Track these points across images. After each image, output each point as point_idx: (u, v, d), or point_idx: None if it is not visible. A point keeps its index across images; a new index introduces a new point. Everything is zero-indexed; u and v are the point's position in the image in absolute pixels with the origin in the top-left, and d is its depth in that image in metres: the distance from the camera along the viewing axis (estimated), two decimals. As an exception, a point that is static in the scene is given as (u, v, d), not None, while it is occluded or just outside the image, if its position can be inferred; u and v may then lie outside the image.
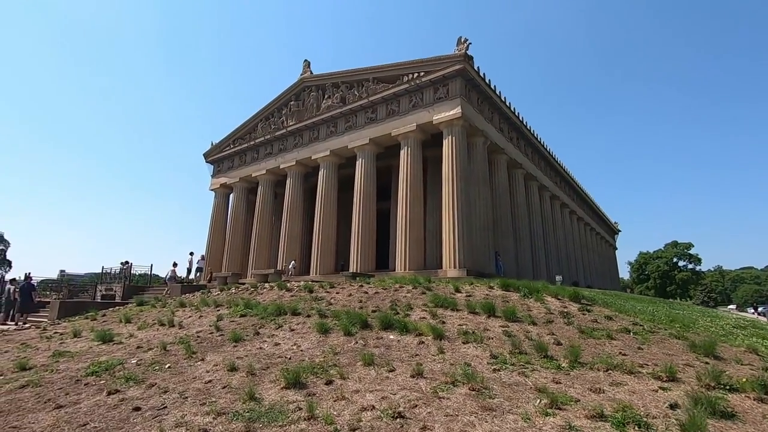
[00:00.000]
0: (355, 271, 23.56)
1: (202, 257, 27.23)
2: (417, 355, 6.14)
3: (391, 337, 6.99)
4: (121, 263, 22.25)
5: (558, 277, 23.70)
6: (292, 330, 7.93)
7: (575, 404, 4.30)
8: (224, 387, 5.32)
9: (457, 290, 10.16)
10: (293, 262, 25.90)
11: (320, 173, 27.84)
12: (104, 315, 12.48)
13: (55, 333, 10.48)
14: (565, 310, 8.35)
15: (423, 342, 6.65)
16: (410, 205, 23.02)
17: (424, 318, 7.95)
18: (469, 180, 22.68)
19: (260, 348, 7.03)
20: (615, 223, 61.36)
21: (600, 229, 52.55)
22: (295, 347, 6.92)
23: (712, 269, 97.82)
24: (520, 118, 28.91)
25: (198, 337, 8.18)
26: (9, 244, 63.85)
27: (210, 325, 9.01)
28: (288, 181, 29.70)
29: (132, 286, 18.55)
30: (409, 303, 9.05)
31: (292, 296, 11.14)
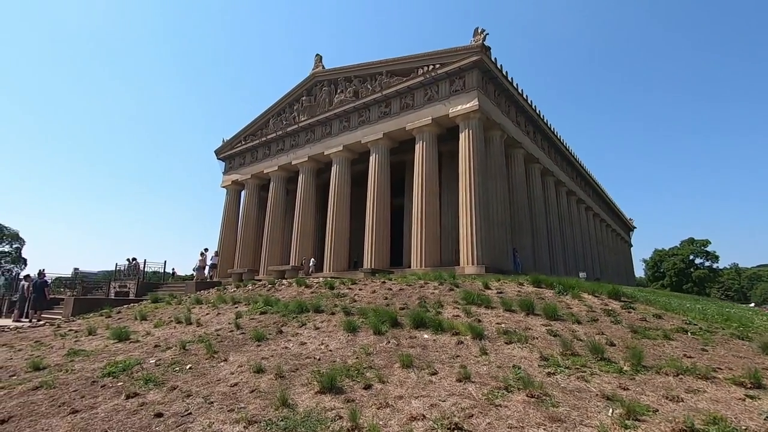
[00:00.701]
0: (371, 267, 23.12)
1: (216, 253, 26.82)
2: (458, 356, 5.64)
3: (426, 336, 6.50)
4: (128, 260, 22.03)
5: (582, 274, 23.02)
6: (317, 328, 7.47)
7: (654, 415, 3.77)
8: (252, 391, 4.87)
9: (486, 287, 9.63)
10: (312, 259, 25.51)
11: (333, 169, 27.38)
12: (119, 312, 12.16)
13: (70, 330, 10.15)
14: (608, 308, 7.80)
15: (462, 342, 6.14)
16: (426, 200, 22.48)
17: (457, 316, 7.44)
18: (486, 174, 22.07)
19: (285, 347, 6.59)
20: (630, 219, 60.23)
21: (615, 225, 51.51)
22: (323, 347, 6.45)
23: (728, 266, 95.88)
24: (537, 112, 28.19)
25: (218, 335, 7.76)
26: (24, 242, 64.41)
27: (229, 323, 8.59)
28: (300, 177, 29.29)
29: (146, 283, 18.27)
30: (438, 300, 8.54)
31: (312, 293, 10.69)
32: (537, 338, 6.17)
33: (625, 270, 54.66)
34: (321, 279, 12.77)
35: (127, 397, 5.04)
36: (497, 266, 20.50)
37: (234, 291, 12.75)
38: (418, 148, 23.40)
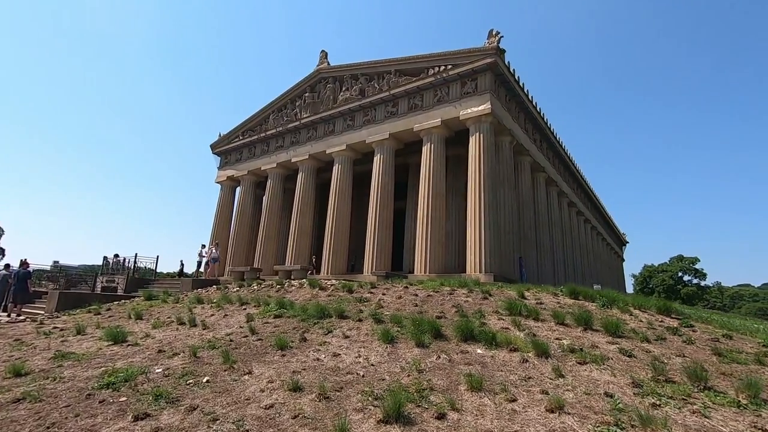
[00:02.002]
0: (372, 271, 22.23)
1: (217, 245, 25.12)
2: (529, 377, 4.79)
3: (479, 351, 5.64)
4: (115, 255, 20.58)
5: (596, 286, 22.40)
6: (346, 337, 6.55)
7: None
8: (295, 416, 3.94)
9: (522, 296, 8.82)
10: (313, 258, 24.52)
11: (335, 168, 26.44)
12: (109, 309, 11.03)
13: (55, 328, 9.03)
14: (668, 325, 7.05)
15: (526, 360, 5.29)
16: (432, 204, 21.70)
17: (506, 329, 6.60)
18: (496, 180, 21.41)
19: (317, 359, 5.65)
20: (623, 233, 60.41)
21: (610, 239, 51.49)
22: (362, 360, 5.54)
23: (711, 285, 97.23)
24: (545, 120, 27.75)
25: (231, 341, 6.77)
26: (3, 231, 61.76)
27: (240, 327, 7.60)
28: (300, 176, 28.27)
29: (136, 279, 17.00)
30: (478, 309, 7.67)
31: (329, 296, 9.75)
32: (611, 359, 5.36)
33: (617, 284, 54.62)
34: (334, 281, 11.82)
35: (136, 418, 4.06)
36: (504, 275, 19.79)
37: (237, 290, 11.71)
38: (426, 149, 22.66)
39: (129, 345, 6.93)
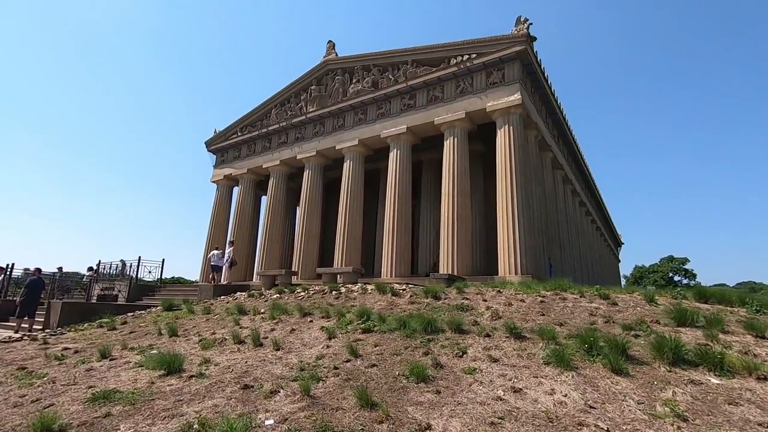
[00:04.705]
0: (390, 276, 20.65)
1: (231, 243, 22.65)
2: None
3: (714, 380, 4.12)
4: (98, 263, 18.20)
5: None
6: (494, 360, 4.94)
7: None
8: None
9: (652, 301, 7.33)
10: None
11: (345, 165, 24.73)
12: (125, 323, 9.07)
13: (66, 350, 7.08)
14: None
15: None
16: (457, 202, 20.27)
17: (706, 344, 5.08)
18: (527, 176, 20.14)
19: (497, 398, 4.03)
20: (619, 234, 60.42)
21: (609, 239, 51.24)
22: (564, 398, 3.98)
23: (692, 286, 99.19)
24: (564, 115, 26.76)
25: (334, 368, 5.05)
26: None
27: (326, 346, 5.88)
28: (306, 174, 26.43)
29: (140, 285, 14.82)
30: (640, 319, 6.09)
31: (411, 303, 8.06)
32: None
33: (615, 285, 54.40)
34: (405, 286, 10.11)
35: None
36: (538, 276, 18.54)
37: (279, 297, 9.87)
38: (448, 144, 21.26)
39: (192, 376, 5.08)
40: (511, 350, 5.20)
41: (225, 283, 16.71)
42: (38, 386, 5.27)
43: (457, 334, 5.94)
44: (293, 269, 23.81)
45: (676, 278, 69.52)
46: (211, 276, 19.02)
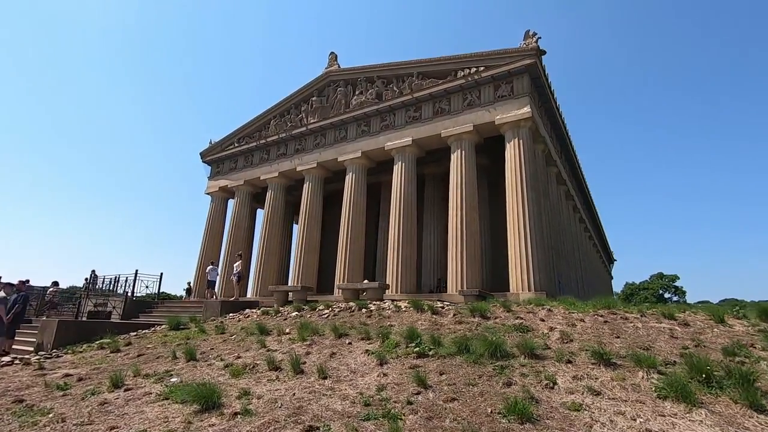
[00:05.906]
0: (398, 292, 19.92)
1: (239, 255, 21.23)
2: None
3: None
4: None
5: None
6: (596, 393, 4.23)
7: None
8: None
9: (722, 321, 6.76)
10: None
11: (348, 177, 24.12)
12: (129, 344, 8.15)
13: (68, 377, 6.18)
14: None
15: None
16: (466, 216, 19.74)
17: None
18: (537, 190, 19.77)
19: None
20: (611, 251, 60.71)
21: (603, 255, 51.32)
22: None
23: (677, 302, 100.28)
24: (567, 130, 26.70)
25: (409, 404, 4.28)
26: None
27: (382, 375, 5.14)
28: (306, 186, 25.71)
29: (136, 302, 13.70)
30: (736, 342, 5.42)
31: (458, 323, 7.34)
32: None
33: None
34: (442, 303, 9.37)
35: None
36: (551, 293, 18.01)
37: (300, 315, 9.05)
38: (455, 157, 20.85)
39: (236, 413, 4.21)
40: (608, 380, 4.53)
41: (235, 298, 15.72)
42: (44, 426, 4.39)
43: (532, 360, 5.24)
44: (294, 284, 22.91)
45: (666, 295, 69.96)
46: (207, 292, 18.01)
